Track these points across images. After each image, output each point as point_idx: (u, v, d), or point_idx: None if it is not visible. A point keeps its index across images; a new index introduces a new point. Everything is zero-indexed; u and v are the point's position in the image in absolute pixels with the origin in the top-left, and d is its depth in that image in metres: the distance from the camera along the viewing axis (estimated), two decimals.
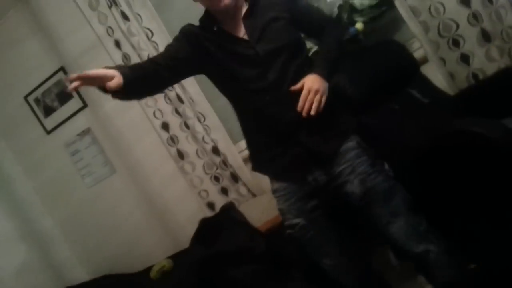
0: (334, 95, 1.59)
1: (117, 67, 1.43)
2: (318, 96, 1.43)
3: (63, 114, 3.18)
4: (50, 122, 3.23)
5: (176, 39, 1.63)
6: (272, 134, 1.56)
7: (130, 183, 3.10)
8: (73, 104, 3.14)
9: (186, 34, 1.60)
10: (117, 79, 1.34)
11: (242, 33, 1.56)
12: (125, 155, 3.07)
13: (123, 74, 1.37)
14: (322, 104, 1.45)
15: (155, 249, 3.03)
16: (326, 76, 1.51)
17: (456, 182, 1.60)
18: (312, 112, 1.42)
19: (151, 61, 1.57)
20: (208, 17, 1.59)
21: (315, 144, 1.51)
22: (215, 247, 2.19)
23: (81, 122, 3.15)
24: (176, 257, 2.72)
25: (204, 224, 2.51)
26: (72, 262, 3.28)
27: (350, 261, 1.59)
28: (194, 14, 2.64)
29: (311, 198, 1.55)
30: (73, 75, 1.33)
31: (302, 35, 1.76)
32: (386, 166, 1.59)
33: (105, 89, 1.37)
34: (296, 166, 1.55)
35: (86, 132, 3.16)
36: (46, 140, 3.25)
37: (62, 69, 3.10)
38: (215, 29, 1.57)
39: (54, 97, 3.19)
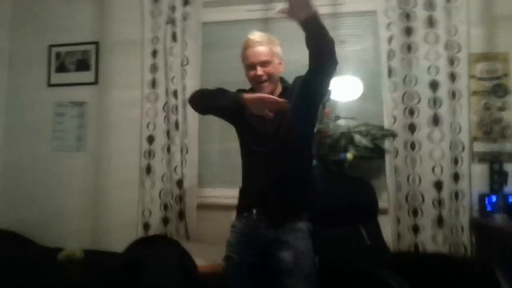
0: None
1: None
2: None
3: (72, 79, 3.34)
4: (56, 78, 3.38)
5: None
6: (252, 187, 1.91)
7: (90, 167, 3.19)
8: (87, 75, 3.31)
9: None
10: None
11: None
12: (100, 142, 3.20)
13: None
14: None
15: (74, 236, 3.06)
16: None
17: None
18: None
19: None
20: (251, 90, 1.96)
21: (275, 208, 1.83)
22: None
23: (82, 93, 3.30)
24: (89, 252, 2.75)
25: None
26: None
27: None
28: (231, 65, 2.94)
29: (253, 246, 1.84)
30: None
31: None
32: (317, 260, 1.86)
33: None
34: (255, 215, 1.86)
35: (80, 104, 3.30)
36: (43, 90, 3.37)
37: (96, 43, 3.31)
38: None
39: (75, 61, 3.35)
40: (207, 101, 1.96)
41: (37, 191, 3.25)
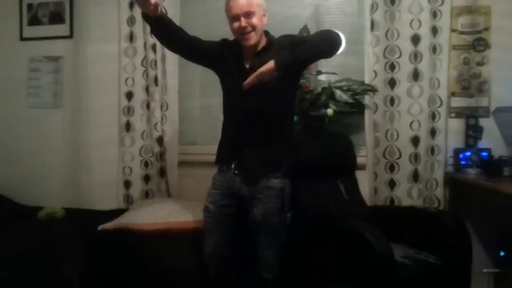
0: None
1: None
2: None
3: (46, 32, 3.22)
4: (29, 31, 3.25)
5: (211, 41, 2.06)
6: (231, 141, 1.99)
7: (68, 124, 3.14)
8: (61, 29, 3.19)
9: (219, 43, 2.05)
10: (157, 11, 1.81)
11: (249, 63, 1.94)
12: (78, 98, 3.13)
13: (165, 17, 1.94)
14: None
15: (54, 194, 3.06)
16: (282, 63, 1.74)
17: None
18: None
19: (185, 32, 2.01)
20: (236, 41, 1.99)
21: (250, 165, 1.91)
22: None
23: (57, 48, 3.20)
24: (70, 210, 2.76)
25: None
26: None
27: (218, 257, 1.99)
28: (211, 17, 2.88)
29: (229, 198, 1.95)
30: None
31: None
32: (289, 215, 1.96)
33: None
34: (233, 170, 1.95)
35: (56, 59, 3.20)
36: (15, 44, 3.25)
37: None
38: (235, 49, 1.99)
39: (47, 13, 3.22)
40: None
41: (15, 150, 3.21)
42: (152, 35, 1.94)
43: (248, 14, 1.87)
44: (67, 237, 2.32)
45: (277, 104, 1.92)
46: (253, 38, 1.90)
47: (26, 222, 2.59)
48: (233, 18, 1.89)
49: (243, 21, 1.86)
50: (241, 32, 1.89)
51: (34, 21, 3.24)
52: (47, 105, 3.21)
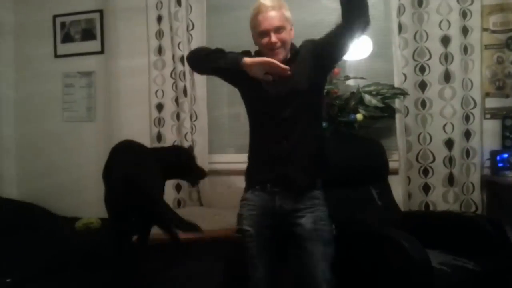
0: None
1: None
2: None
3: (78, 48, 3.33)
4: (63, 49, 3.37)
5: None
6: (264, 158, 1.87)
7: (101, 137, 3.21)
8: (93, 45, 3.30)
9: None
10: None
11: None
12: (111, 111, 3.21)
13: None
14: None
15: (90, 205, 3.05)
16: None
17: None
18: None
19: None
20: (259, 53, 1.89)
21: (291, 179, 1.80)
22: None
23: (89, 63, 3.30)
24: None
25: None
26: (10, 176, 3.36)
27: (269, 281, 1.86)
28: (237, 28, 2.91)
29: (270, 218, 1.83)
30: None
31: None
32: (333, 226, 1.87)
33: None
34: (269, 188, 1.84)
35: (88, 74, 3.31)
36: (50, 61, 3.38)
37: (100, 11, 3.28)
38: None
39: (80, 30, 3.34)
40: (204, 62, 1.90)
41: (52, 163, 3.31)
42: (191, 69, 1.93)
43: (278, 29, 1.78)
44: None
45: (310, 110, 1.84)
46: (282, 53, 1.82)
47: (64, 233, 2.67)
48: (262, 33, 1.80)
49: (273, 37, 1.77)
50: (271, 48, 1.80)
51: (67, 38, 3.36)
52: (81, 118, 3.32)
